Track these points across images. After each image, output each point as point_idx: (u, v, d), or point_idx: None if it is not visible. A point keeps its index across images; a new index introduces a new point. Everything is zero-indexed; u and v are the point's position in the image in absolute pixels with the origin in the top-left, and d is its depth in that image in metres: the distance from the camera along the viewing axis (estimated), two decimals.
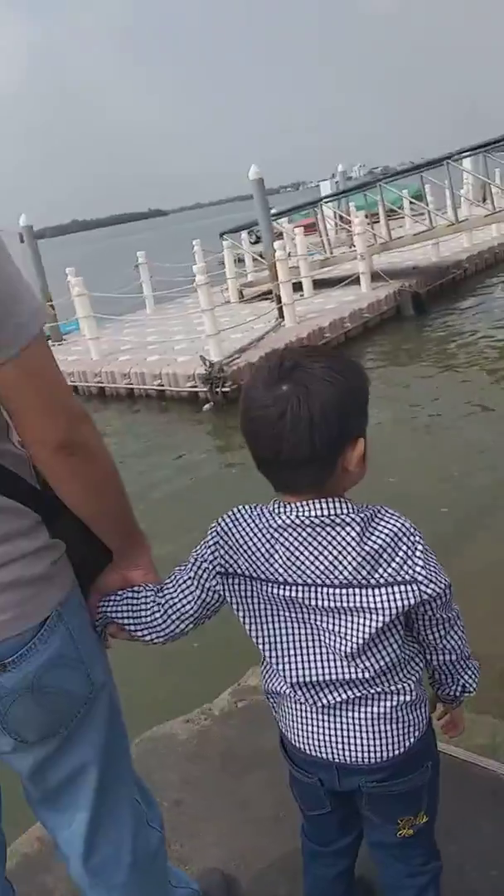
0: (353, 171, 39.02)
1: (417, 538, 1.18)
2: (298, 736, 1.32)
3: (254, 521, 1.24)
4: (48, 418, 1.09)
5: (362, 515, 1.17)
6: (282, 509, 1.20)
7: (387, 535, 1.17)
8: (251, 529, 1.23)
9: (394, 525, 1.17)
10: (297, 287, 11.91)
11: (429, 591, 1.17)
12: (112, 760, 1.32)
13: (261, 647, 1.28)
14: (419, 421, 7.41)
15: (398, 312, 11.74)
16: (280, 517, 1.19)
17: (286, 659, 1.26)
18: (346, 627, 1.20)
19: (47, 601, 1.16)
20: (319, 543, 1.17)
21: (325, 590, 1.19)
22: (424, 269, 13.34)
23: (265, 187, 12.40)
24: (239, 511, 1.26)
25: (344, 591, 1.17)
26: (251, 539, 1.23)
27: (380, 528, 1.17)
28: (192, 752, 2.32)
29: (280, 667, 1.27)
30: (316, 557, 1.18)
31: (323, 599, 1.19)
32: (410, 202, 14.67)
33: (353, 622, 1.19)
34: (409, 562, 1.17)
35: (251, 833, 1.97)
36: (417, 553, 1.17)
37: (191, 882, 1.65)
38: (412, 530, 1.18)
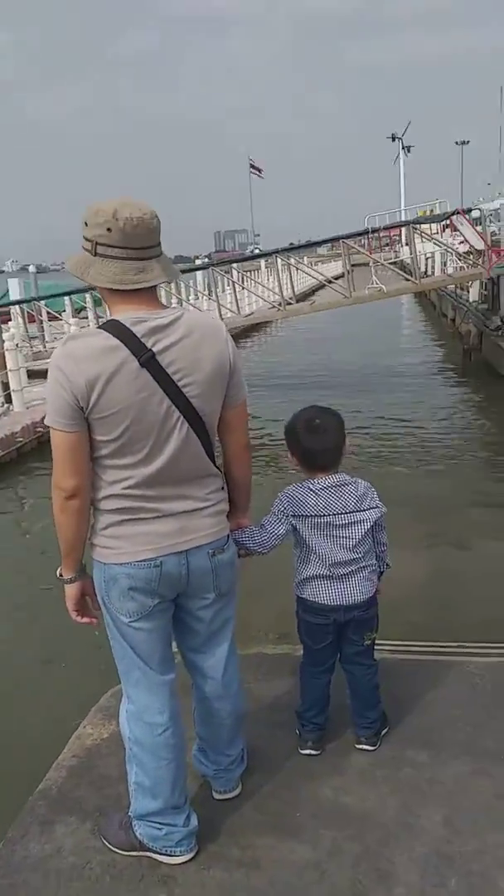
0: (5, 266, 40.50)
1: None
2: (325, 595, 2.53)
3: (303, 490, 2.51)
4: (244, 433, 2.28)
5: (353, 478, 2.59)
6: (319, 480, 2.51)
7: (365, 486, 2.60)
8: (303, 493, 2.51)
9: (364, 483, 2.61)
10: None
11: (383, 511, 2.62)
12: (235, 618, 2.45)
13: (311, 550, 2.53)
14: None
15: None
16: (318, 483, 2.52)
17: (323, 554, 2.51)
18: (350, 531, 2.57)
19: (228, 525, 2.31)
20: (341, 493, 2.55)
21: (341, 516, 2.55)
22: None
23: None
24: (293, 488, 2.52)
25: (349, 514, 2.57)
26: (305, 498, 2.50)
27: (361, 484, 2.60)
28: None
29: (321, 559, 2.51)
30: (337, 499, 2.54)
31: (340, 519, 2.54)
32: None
33: (354, 528, 2.58)
34: (375, 499, 2.61)
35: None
36: (376, 496, 2.61)
37: None
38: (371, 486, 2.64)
